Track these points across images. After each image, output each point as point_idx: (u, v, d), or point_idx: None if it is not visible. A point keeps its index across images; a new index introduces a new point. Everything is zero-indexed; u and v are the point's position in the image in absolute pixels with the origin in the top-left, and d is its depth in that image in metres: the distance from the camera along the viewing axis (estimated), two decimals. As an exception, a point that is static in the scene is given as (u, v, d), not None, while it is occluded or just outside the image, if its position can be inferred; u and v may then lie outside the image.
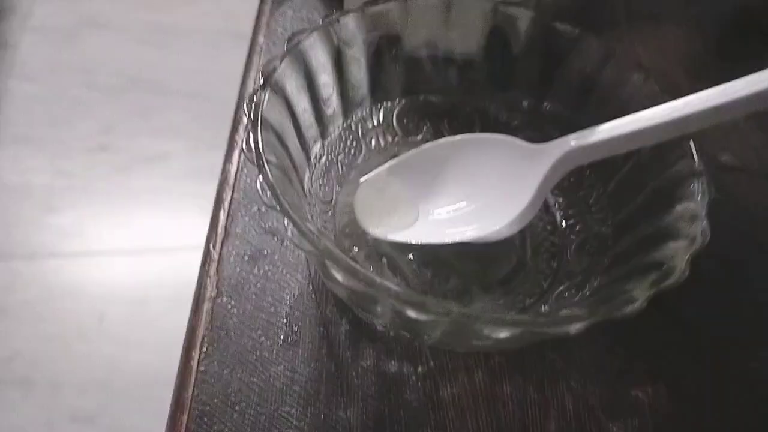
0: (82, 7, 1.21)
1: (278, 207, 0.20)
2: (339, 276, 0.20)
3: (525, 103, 0.28)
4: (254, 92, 0.22)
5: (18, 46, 1.14)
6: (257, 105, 0.22)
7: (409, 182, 0.27)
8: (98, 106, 1.10)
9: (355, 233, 0.26)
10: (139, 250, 0.96)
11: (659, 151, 0.24)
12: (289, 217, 0.19)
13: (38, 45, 1.15)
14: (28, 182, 1.00)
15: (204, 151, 1.05)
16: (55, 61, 1.13)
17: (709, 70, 0.36)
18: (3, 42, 1.14)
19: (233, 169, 0.29)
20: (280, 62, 0.23)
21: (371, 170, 0.27)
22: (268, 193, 0.20)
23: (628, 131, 0.23)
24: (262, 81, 0.22)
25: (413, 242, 0.26)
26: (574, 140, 0.24)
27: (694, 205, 0.21)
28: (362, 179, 0.27)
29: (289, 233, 0.19)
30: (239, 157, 0.30)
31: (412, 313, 0.19)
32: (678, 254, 0.20)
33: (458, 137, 0.27)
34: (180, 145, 1.06)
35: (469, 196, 0.27)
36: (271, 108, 0.22)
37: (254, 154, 0.20)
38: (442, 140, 0.27)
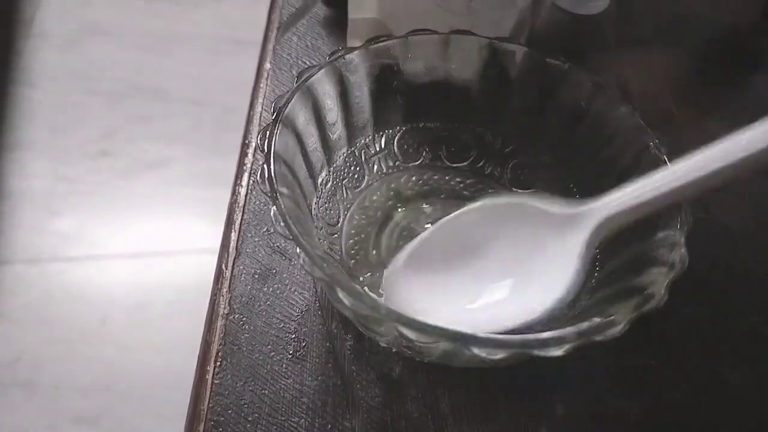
0: (84, 15, 1.22)
1: (291, 236, 0.21)
2: (345, 299, 0.21)
3: (519, 131, 0.30)
4: (266, 127, 0.24)
5: (21, 53, 1.15)
6: (269, 139, 0.23)
7: (433, 272, 0.25)
8: (99, 112, 1.11)
9: (359, 254, 0.28)
10: (140, 254, 0.97)
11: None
12: (301, 246, 0.21)
13: (40, 52, 1.16)
14: (30, 187, 1.02)
15: (204, 157, 1.07)
16: (57, 67, 1.15)
17: (697, 94, 0.38)
18: (6, 49, 1.15)
19: (243, 191, 0.31)
20: (290, 98, 0.25)
21: (373, 194, 0.29)
22: (281, 223, 0.22)
23: (662, 192, 0.22)
24: (273, 116, 0.24)
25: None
26: (610, 207, 0.23)
27: (674, 233, 0.23)
28: (386, 272, 0.26)
29: (301, 260, 0.21)
30: (248, 179, 0.31)
31: (413, 335, 0.21)
32: (658, 280, 0.22)
33: (477, 205, 0.26)
34: (180, 150, 1.08)
35: (501, 276, 0.25)
36: (282, 142, 0.24)
37: (268, 187, 0.22)
38: (459, 213, 0.26)
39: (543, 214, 0.25)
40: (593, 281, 0.26)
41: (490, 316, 0.24)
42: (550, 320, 0.23)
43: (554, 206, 0.25)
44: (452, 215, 0.26)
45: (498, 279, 0.25)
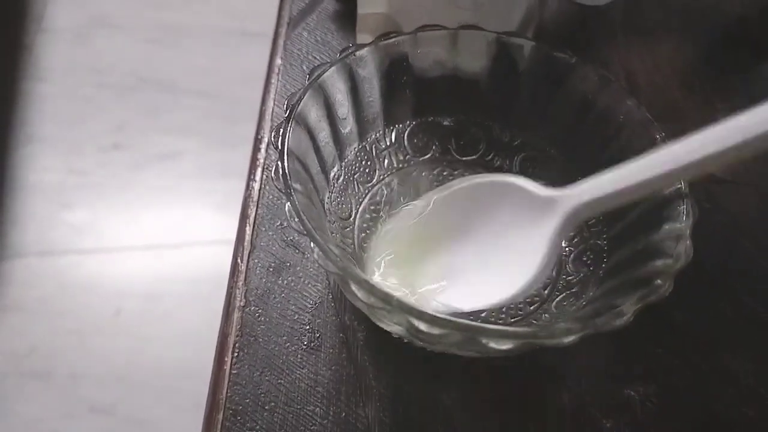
0: (93, 8, 1.23)
1: (305, 232, 0.22)
2: (358, 292, 0.22)
3: (527, 124, 0.30)
4: (279, 125, 0.24)
5: (31, 47, 1.16)
6: (283, 137, 0.24)
7: (427, 239, 0.27)
8: (110, 105, 1.12)
9: (371, 247, 0.29)
10: (152, 245, 0.98)
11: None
12: (315, 240, 0.22)
13: (50, 46, 1.17)
14: (42, 181, 1.03)
15: (214, 149, 1.08)
16: (67, 61, 1.16)
17: (703, 83, 0.38)
18: (16, 44, 1.16)
19: (257, 186, 0.32)
20: (302, 95, 0.25)
21: (385, 188, 0.30)
22: (296, 219, 0.22)
23: (638, 180, 0.22)
24: (286, 114, 0.25)
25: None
26: (585, 194, 0.24)
27: (679, 226, 0.23)
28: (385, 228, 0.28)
29: (315, 254, 0.22)
30: (262, 174, 0.32)
31: (423, 326, 0.21)
32: (664, 271, 0.22)
33: (466, 184, 0.27)
34: (191, 142, 1.08)
35: (483, 255, 0.26)
36: (295, 139, 0.24)
37: (282, 184, 0.23)
38: (451, 190, 0.27)
39: (526, 194, 0.25)
40: (601, 272, 0.26)
41: (465, 295, 0.25)
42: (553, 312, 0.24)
43: (537, 188, 0.25)
44: (438, 193, 0.27)
45: (477, 256, 0.26)
